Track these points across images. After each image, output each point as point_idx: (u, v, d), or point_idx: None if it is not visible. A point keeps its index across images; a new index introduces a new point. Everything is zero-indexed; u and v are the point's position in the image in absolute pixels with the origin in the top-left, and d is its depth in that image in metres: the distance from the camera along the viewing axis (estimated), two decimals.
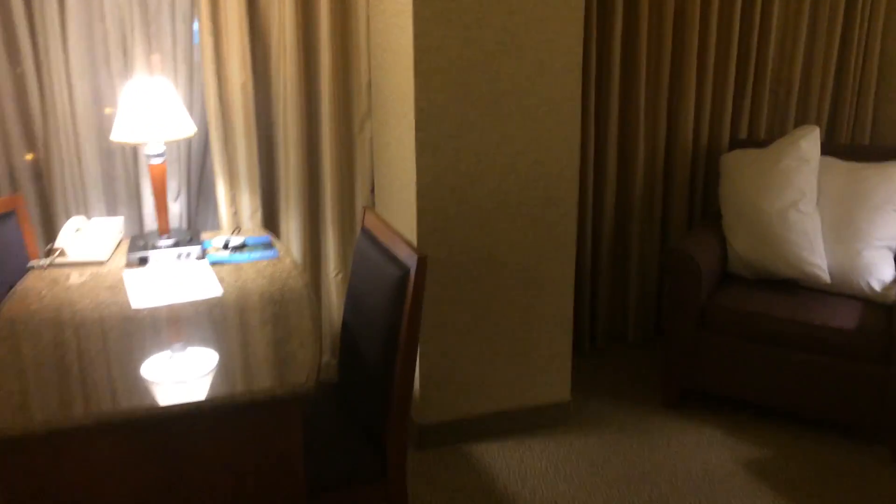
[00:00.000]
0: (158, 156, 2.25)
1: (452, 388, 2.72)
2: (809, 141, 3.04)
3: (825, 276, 2.89)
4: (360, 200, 2.87)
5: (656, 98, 3.28)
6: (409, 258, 1.85)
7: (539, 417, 2.86)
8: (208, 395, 1.48)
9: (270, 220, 2.82)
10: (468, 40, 2.45)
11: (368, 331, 1.98)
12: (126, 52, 2.52)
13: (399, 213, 2.68)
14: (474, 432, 2.79)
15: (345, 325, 2.18)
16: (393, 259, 1.93)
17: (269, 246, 2.38)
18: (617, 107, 3.23)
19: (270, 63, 2.69)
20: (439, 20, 2.40)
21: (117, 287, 2.04)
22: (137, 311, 1.88)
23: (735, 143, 3.36)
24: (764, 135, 3.55)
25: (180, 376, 1.55)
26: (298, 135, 2.73)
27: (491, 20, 2.45)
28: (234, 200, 2.70)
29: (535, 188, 2.64)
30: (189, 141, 2.67)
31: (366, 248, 2.09)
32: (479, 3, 2.42)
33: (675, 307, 2.93)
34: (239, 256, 2.27)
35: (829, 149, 3.17)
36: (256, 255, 2.29)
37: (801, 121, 3.56)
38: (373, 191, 2.89)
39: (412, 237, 2.57)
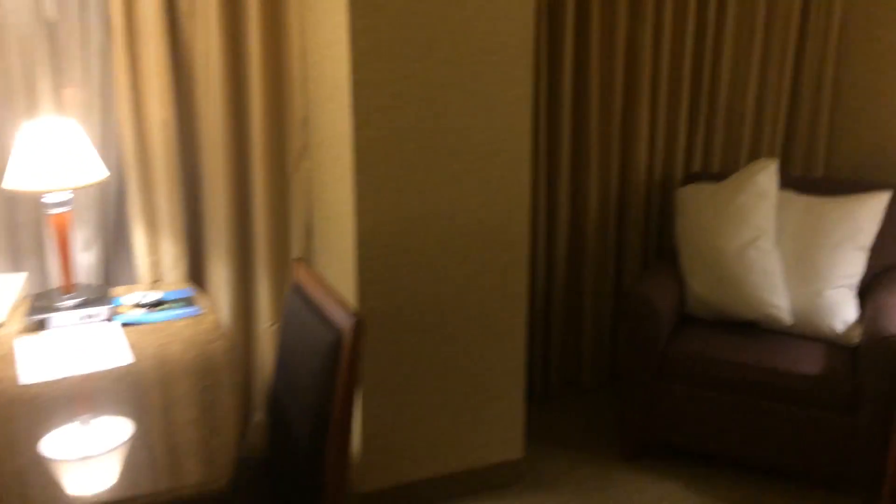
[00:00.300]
0: (61, 205, 2.01)
1: (396, 451, 2.50)
2: (767, 175, 2.93)
3: (787, 318, 2.77)
4: (296, 245, 2.65)
5: (608, 131, 3.14)
6: (344, 320, 1.65)
7: (491, 478, 2.65)
8: (95, 499, 1.24)
9: (196, 270, 2.58)
10: (410, 74, 2.27)
11: (298, 401, 1.76)
12: (32, 89, 2.28)
13: (337, 259, 2.47)
14: (421, 498, 2.57)
15: (273, 392, 1.95)
16: (326, 321, 1.72)
17: (190, 301, 2.14)
18: (568, 141, 3.08)
19: (195, 98, 2.47)
20: (378, 52, 2.22)
21: (8, 357, 1.79)
22: (27, 387, 1.63)
23: (689, 177, 3.24)
24: (718, 167, 3.44)
25: (64, 476, 1.31)
26: (227, 175, 2.50)
27: (435, 53, 2.28)
28: (154, 249, 2.45)
29: (485, 231, 2.46)
30: (104, 185, 2.42)
31: (296, 307, 1.88)
32: (421, 34, 2.25)
33: (632, 354, 2.77)
34: (155, 315, 2.03)
35: (786, 182, 3.07)
36: (175, 313, 2.05)
37: (755, 152, 3.46)
38: (309, 235, 2.68)
39: (351, 286, 2.37)
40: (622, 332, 3.38)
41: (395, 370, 2.44)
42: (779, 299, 2.77)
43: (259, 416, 2.71)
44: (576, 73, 3.05)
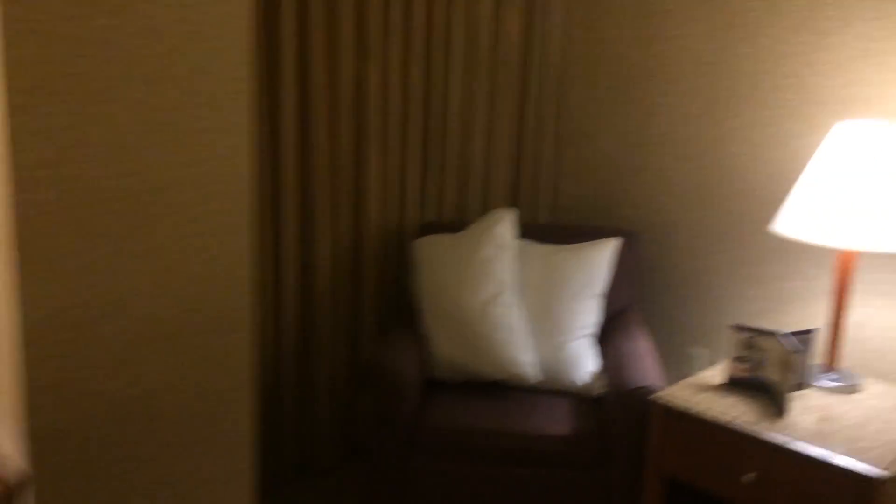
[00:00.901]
0: None
1: None
2: (505, 225, 2.82)
3: (535, 376, 2.65)
4: None
5: (338, 183, 2.84)
6: None
7: None
8: None
9: None
10: (93, 119, 1.77)
11: None
12: None
13: None
14: None
15: None
16: None
17: None
18: (294, 195, 2.73)
19: None
20: (45, 92, 1.70)
21: None
22: None
23: (424, 228, 3.05)
24: (451, 216, 3.29)
25: None
26: None
27: (125, 92, 1.80)
28: None
29: (199, 310, 2.01)
30: None
31: None
32: (106, 68, 1.77)
33: (378, 430, 2.47)
34: None
35: (523, 231, 2.99)
36: None
37: (486, 200, 3.37)
38: None
39: (18, 398, 1.79)
40: (364, 405, 3.08)
41: (84, 502, 1.89)
42: (525, 356, 2.64)
43: None
44: (300, 120, 2.72)
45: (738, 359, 2.35)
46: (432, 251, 2.83)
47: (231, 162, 2.01)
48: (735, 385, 2.37)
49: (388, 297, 3.12)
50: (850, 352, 2.67)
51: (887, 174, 2.18)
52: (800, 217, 2.29)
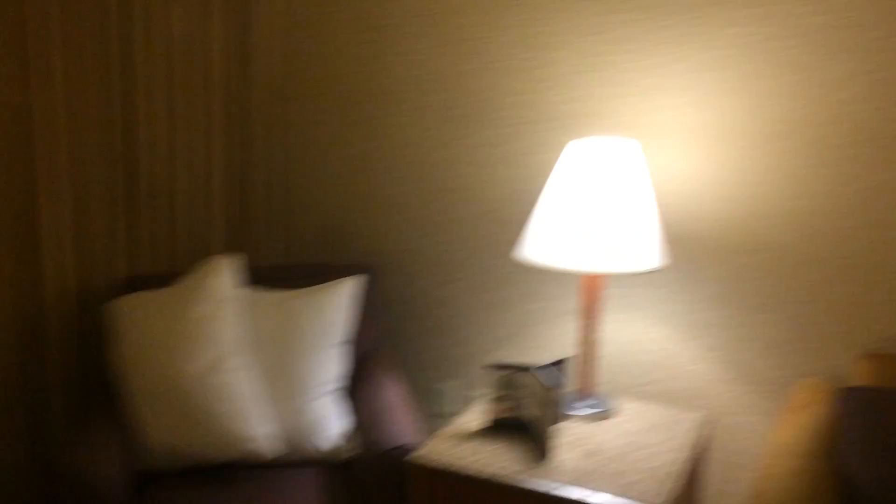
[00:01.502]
0: None
1: None
2: (223, 274, 2.39)
3: (269, 451, 2.23)
4: None
5: (1, 231, 2.23)
6: None
7: None
8: None
9: None
10: None
11: None
12: None
13: None
14: None
15: None
16: None
17: None
18: None
19: None
20: None
21: None
22: None
23: (126, 285, 2.51)
24: (153, 267, 2.75)
25: None
26: None
27: None
28: None
29: None
30: None
31: None
32: None
33: None
34: None
35: (251, 277, 2.57)
36: None
37: (206, 242, 2.89)
38: None
39: None
40: None
41: None
42: (259, 428, 2.23)
43: None
44: None
45: (499, 398, 2.15)
46: (135, 314, 2.31)
47: None
48: (498, 427, 2.16)
49: (83, 377, 2.53)
50: (597, 370, 2.60)
51: (620, 192, 2.10)
52: (542, 242, 2.14)
